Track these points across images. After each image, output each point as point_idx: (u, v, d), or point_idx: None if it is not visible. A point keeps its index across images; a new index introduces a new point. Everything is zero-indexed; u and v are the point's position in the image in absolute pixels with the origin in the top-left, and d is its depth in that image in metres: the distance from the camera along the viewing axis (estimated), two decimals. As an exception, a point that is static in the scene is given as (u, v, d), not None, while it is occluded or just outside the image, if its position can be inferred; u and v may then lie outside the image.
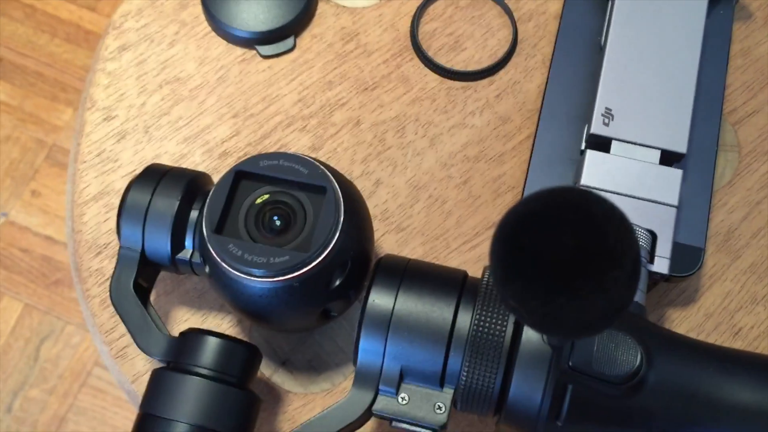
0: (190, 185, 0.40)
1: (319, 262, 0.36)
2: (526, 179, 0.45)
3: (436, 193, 0.47)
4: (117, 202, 0.46)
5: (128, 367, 0.44)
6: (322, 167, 0.38)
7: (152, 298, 0.44)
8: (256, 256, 0.36)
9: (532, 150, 0.46)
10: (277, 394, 0.43)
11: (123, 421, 1.18)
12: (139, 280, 0.40)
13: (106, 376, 1.21)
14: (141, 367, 0.44)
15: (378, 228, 0.46)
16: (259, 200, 0.38)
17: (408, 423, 0.36)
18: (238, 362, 0.38)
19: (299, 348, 0.44)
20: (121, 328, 0.44)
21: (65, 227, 0.47)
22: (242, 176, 0.38)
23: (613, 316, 0.24)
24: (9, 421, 1.20)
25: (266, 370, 0.44)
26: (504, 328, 0.35)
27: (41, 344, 1.25)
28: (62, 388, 1.22)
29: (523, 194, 0.45)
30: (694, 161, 0.45)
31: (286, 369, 0.44)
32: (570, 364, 0.34)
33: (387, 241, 0.46)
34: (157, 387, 0.37)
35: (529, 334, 0.35)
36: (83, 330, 1.24)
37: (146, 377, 0.42)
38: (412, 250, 0.46)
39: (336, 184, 0.37)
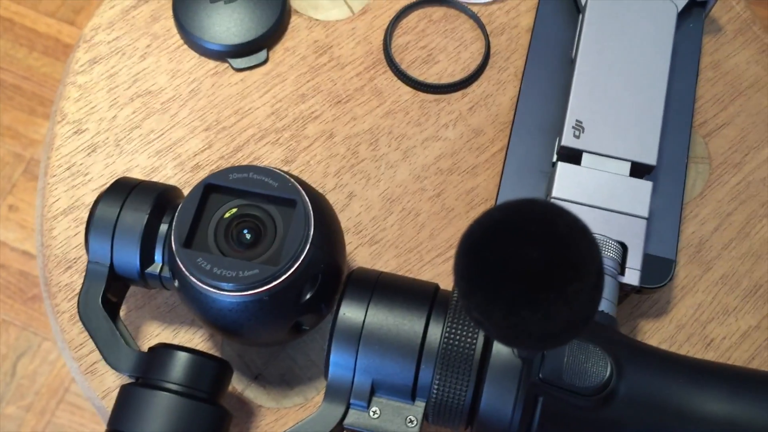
0: (160, 198, 0.40)
1: (289, 275, 0.36)
2: (498, 191, 0.45)
3: (409, 206, 0.47)
4: (86, 216, 0.46)
5: (98, 383, 0.43)
6: (292, 180, 0.38)
7: (123, 312, 0.43)
8: (225, 269, 0.36)
9: (505, 162, 0.46)
10: (249, 409, 0.43)
11: (101, 438, 1.16)
12: (108, 294, 0.39)
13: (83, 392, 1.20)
14: (111, 383, 0.43)
15: (351, 241, 0.46)
16: (228, 214, 0.37)
17: (380, 437, 0.36)
18: (208, 377, 0.38)
19: (272, 362, 0.44)
20: (91, 343, 0.44)
21: (35, 242, 0.47)
22: (212, 189, 0.38)
23: (578, 327, 0.24)
24: (-16, 438, 1.18)
25: (238, 384, 0.43)
26: (474, 341, 0.35)
27: (18, 360, 1.23)
28: (39, 404, 1.20)
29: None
30: (665, 173, 0.45)
31: (258, 383, 0.43)
32: (540, 376, 0.34)
33: (360, 254, 0.46)
34: (125, 403, 0.37)
35: (499, 347, 0.35)
36: (60, 346, 1.22)
37: (116, 393, 0.42)
38: (386, 263, 0.46)
39: (306, 197, 0.37)
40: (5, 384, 1.22)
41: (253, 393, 0.43)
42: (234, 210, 0.38)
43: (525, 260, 0.23)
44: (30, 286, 1.27)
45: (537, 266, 0.23)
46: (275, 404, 0.43)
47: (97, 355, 0.44)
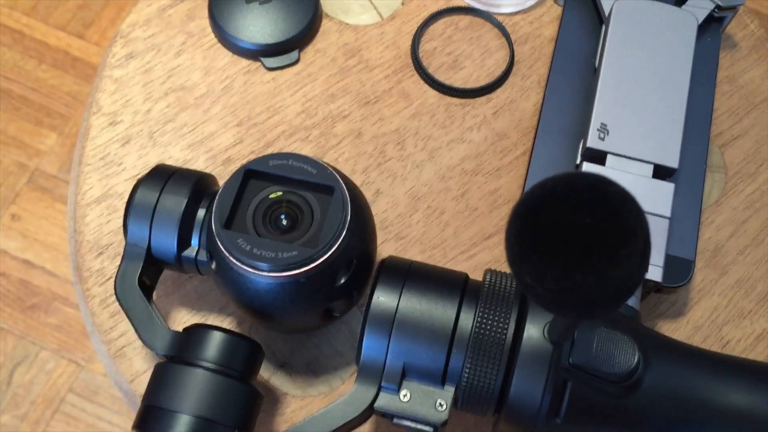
0: (198, 185, 0.41)
1: (326, 258, 0.37)
2: (523, 191, 0.47)
3: (434, 204, 0.49)
4: (120, 204, 0.47)
5: (126, 366, 0.44)
6: (330, 168, 0.39)
7: (153, 298, 0.44)
8: (265, 250, 0.37)
9: (529, 163, 0.47)
10: (275, 396, 0.43)
11: (95, 450, 1.15)
12: (143, 277, 0.40)
13: (79, 403, 1.19)
14: (139, 366, 0.44)
15: (378, 236, 0.47)
16: (272, 195, 0.38)
17: (409, 420, 0.37)
18: (242, 357, 0.38)
19: (298, 351, 0.44)
20: (120, 327, 0.44)
21: (67, 227, 0.47)
22: (251, 175, 0.39)
23: (626, 292, 0.25)
24: (-22, 447, 1.17)
25: (265, 372, 0.44)
26: (506, 328, 0.36)
27: (15, 369, 1.23)
28: (34, 414, 1.19)
29: (520, 205, 0.46)
30: (684, 179, 0.47)
31: (284, 371, 0.44)
32: (570, 361, 0.35)
33: (386, 249, 0.47)
34: (160, 379, 0.37)
35: (531, 332, 0.36)
36: (58, 356, 1.22)
37: (144, 377, 0.43)
38: (411, 258, 0.47)
39: (343, 185, 0.38)
40: (1, 393, 1.21)
41: (278, 380, 0.44)
42: (273, 195, 0.39)
43: (577, 226, 0.24)
44: (29, 295, 1.27)
45: (589, 232, 0.24)
46: (300, 392, 0.44)
47: (125, 339, 0.44)
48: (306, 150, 0.49)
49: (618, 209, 0.24)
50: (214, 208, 0.38)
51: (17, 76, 1.43)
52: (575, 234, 0.24)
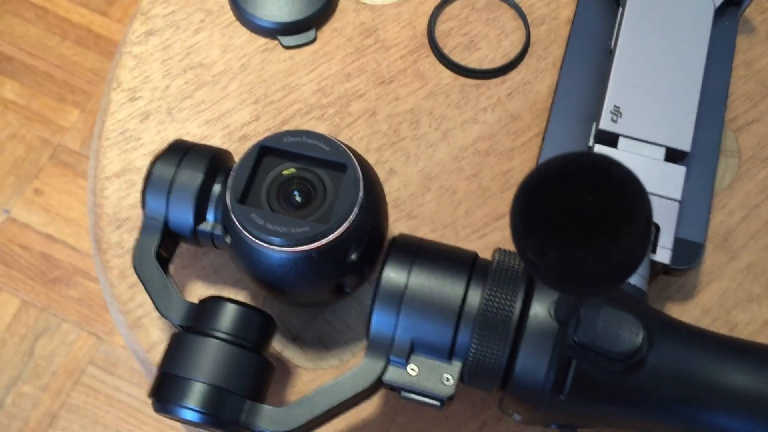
0: (214, 160, 0.41)
1: (338, 234, 0.38)
2: (535, 172, 0.47)
3: (447, 184, 0.49)
4: (138, 179, 0.48)
5: (143, 336, 0.45)
6: (343, 146, 0.40)
7: (170, 271, 0.45)
8: (278, 225, 0.38)
9: (542, 144, 0.48)
10: (286, 368, 0.45)
11: (115, 421, 1.18)
12: (161, 250, 0.41)
13: (99, 374, 1.22)
14: (156, 336, 0.45)
15: (390, 214, 0.48)
16: (285, 172, 0.39)
17: (417, 393, 0.38)
18: (255, 329, 0.39)
19: (310, 325, 0.45)
20: (138, 298, 0.45)
21: (87, 201, 0.49)
22: (266, 151, 0.40)
23: (627, 270, 0.26)
24: (1, 416, 1.20)
25: (277, 344, 0.45)
26: (513, 305, 0.37)
27: (36, 341, 1.25)
28: (55, 385, 1.22)
29: (531, 186, 0.47)
30: (697, 162, 0.47)
31: (296, 344, 0.45)
32: (575, 339, 0.36)
33: (398, 227, 0.48)
34: (176, 348, 0.39)
35: (537, 310, 0.37)
36: (79, 328, 1.24)
37: (161, 347, 0.44)
38: (422, 237, 0.48)
39: (356, 163, 0.39)
40: (23, 363, 1.24)
41: (291, 353, 0.45)
42: (286, 171, 0.40)
43: (580, 204, 0.25)
44: (51, 268, 1.29)
45: (592, 210, 0.25)
46: (311, 365, 0.45)
47: (143, 310, 0.45)
48: (321, 128, 0.50)
49: (620, 188, 0.25)
50: (229, 184, 0.39)
51: (41, 53, 1.45)
52: (577, 212, 0.25)
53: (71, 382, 1.22)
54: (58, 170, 1.37)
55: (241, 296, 0.46)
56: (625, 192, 0.25)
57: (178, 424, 1.14)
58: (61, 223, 1.32)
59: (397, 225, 0.48)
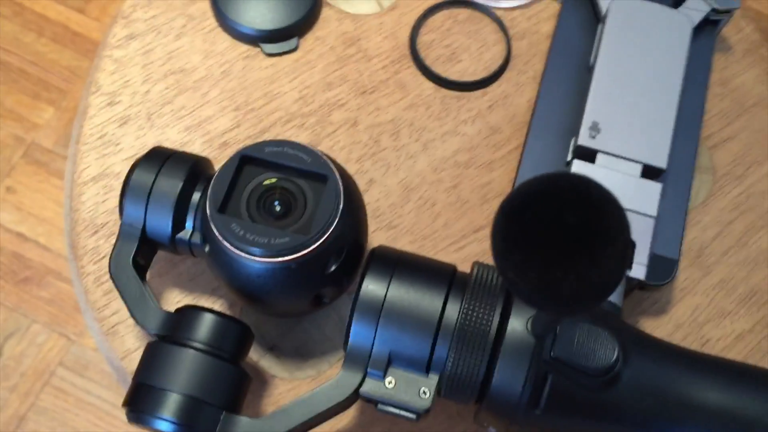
0: (194, 168, 0.41)
1: (318, 245, 0.38)
2: (514, 185, 0.47)
3: (426, 195, 0.49)
4: (116, 184, 0.47)
5: (118, 344, 0.44)
6: (324, 157, 0.40)
7: (147, 278, 0.45)
8: (258, 236, 0.37)
9: (521, 158, 0.48)
10: (263, 378, 0.44)
11: (85, 424, 1.16)
12: (138, 257, 0.41)
13: (69, 377, 1.20)
14: (130, 344, 0.44)
15: (369, 225, 0.48)
16: (266, 182, 0.39)
17: (393, 406, 0.38)
18: (232, 339, 0.39)
19: (287, 335, 0.45)
20: (113, 305, 0.45)
21: (63, 206, 0.48)
22: (247, 160, 0.40)
23: (606, 290, 0.26)
24: (-33, 417, 1.18)
25: (254, 354, 0.45)
26: (491, 319, 0.37)
27: (5, 342, 1.24)
28: (24, 386, 1.20)
29: (510, 200, 0.47)
30: (672, 179, 0.48)
31: (273, 354, 0.45)
32: (551, 354, 0.36)
33: (377, 238, 0.48)
34: (152, 358, 0.38)
35: (514, 325, 0.37)
36: (49, 329, 1.23)
37: (135, 354, 0.44)
38: (401, 248, 0.48)
39: (337, 174, 0.39)
40: (-9, 364, 1.22)
41: (267, 363, 0.45)
42: (267, 181, 0.39)
43: (561, 225, 0.25)
44: (22, 268, 1.27)
45: (572, 231, 0.25)
46: (288, 375, 0.45)
47: (118, 317, 0.45)
48: (302, 137, 0.50)
49: (600, 210, 0.25)
50: (209, 193, 0.39)
51: (16, 49, 1.43)
52: (558, 233, 0.25)
53: (40, 384, 1.20)
54: (31, 168, 1.35)
55: (218, 305, 0.46)
56: (604, 213, 0.25)
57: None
58: (33, 222, 1.31)
59: (376, 235, 0.48)
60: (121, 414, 1.13)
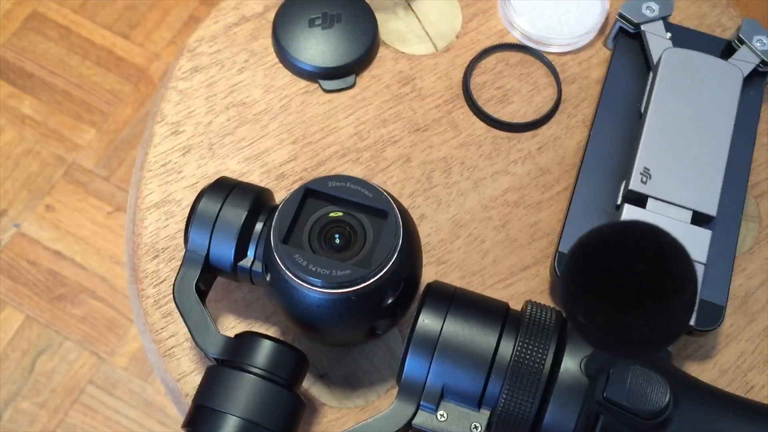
0: (257, 199, 0.43)
1: (377, 279, 0.39)
2: (563, 226, 0.48)
3: (475, 232, 0.50)
4: (177, 210, 0.49)
5: (174, 366, 0.46)
6: (385, 193, 0.41)
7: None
8: (320, 267, 0.39)
9: (571, 199, 0.49)
10: (313, 406, 0.45)
11: (111, 443, 1.18)
12: (199, 283, 0.42)
13: (98, 395, 1.22)
14: (186, 367, 0.46)
15: (420, 259, 0.49)
16: (332, 215, 0.41)
17: (444, 439, 0.39)
18: (289, 366, 0.40)
19: (337, 364, 0.46)
20: (171, 328, 0.46)
21: (125, 229, 0.50)
22: (310, 194, 0.41)
23: (673, 336, 0.27)
24: (-3, 430, 1.20)
25: (305, 381, 0.46)
26: (544, 358, 0.38)
27: (38, 357, 1.26)
28: (54, 402, 1.22)
29: (560, 240, 0.48)
30: (720, 227, 0.48)
31: (323, 382, 0.46)
32: (604, 395, 0.37)
33: (427, 272, 0.49)
34: (212, 381, 0.39)
35: (568, 365, 0.38)
36: (80, 347, 1.25)
37: (191, 377, 0.45)
38: (450, 283, 0.49)
39: (397, 210, 0.40)
40: (22, 379, 1.24)
41: (317, 391, 0.46)
42: (333, 214, 0.41)
43: (631, 271, 0.26)
44: (57, 285, 1.29)
45: (642, 278, 0.26)
46: (337, 403, 0.46)
47: (175, 340, 0.46)
48: (356, 171, 0.51)
49: (671, 259, 0.26)
50: (273, 223, 0.40)
51: (62, 71, 1.47)
52: (629, 279, 0.26)
53: (70, 401, 1.22)
54: (70, 188, 1.38)
55: (272, 331, 0.47)
56: (674, 262, 0.26)
57: (176, 450, 1.14)
58: (71, 241, 1.33)
59: (427, 270, 0.49)
60: (150, 434, 1.14)
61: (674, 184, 0.46)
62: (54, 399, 1.22)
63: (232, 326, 0.47)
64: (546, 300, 0.49)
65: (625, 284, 0.26)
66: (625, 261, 0.26)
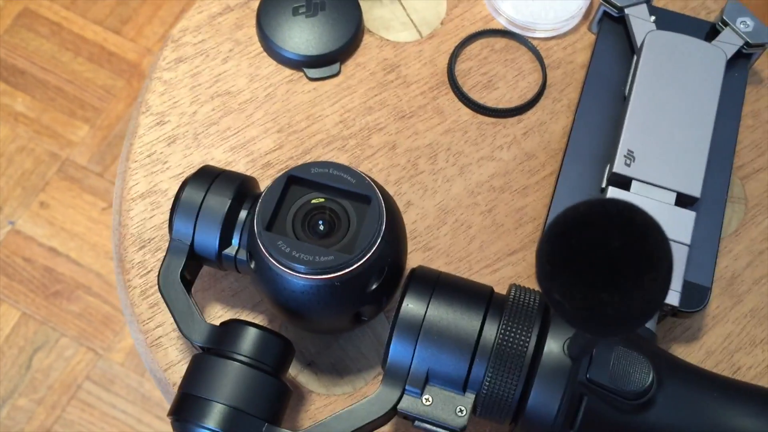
0: (241, 187, 0.43)
1: (360, 264, 0.39)
2: (549, 210, 0.49)
3: (462, 218, 0.50)
4: (163, 201, 0.49)
5: (161, 356, 0.46)
6: (368, 179, 0.41)
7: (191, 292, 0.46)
8: (303, 253, 0.39)
9: (557, 184, 0.49)
10: (300, 393, 0.45)
11: (109, 438, 1.18)
12: (185, 272, 0.42)
13: (96, 390, 1.22)
14: (173, 356, 0.46)
15: (406, 245, 0.49)
16: (314, 201, 0.41)
17: (429, 423, 0.39)
18: (275, 353, 0.41)
19: (324, 351, 0.46)
20: (158, 318, 0.47)
21: (112, 220, 0.50)
22: (294, 181, 0.41)
23: (648, 313, 0.27)
24: (-5, 428, 1.20)
25: (292, 369, 0.46)
26: (528, 340, 0.38)
27: (34, 354, 1.26)
28: (51, 399, 1.22)
29: (545, 225, 0.48)
30: (705, 208, 0.48)
31: (310, 370, 0.46)
32: (587, 376, 0.37)
33: (414, 259, 0.49)
34: (197, 369, 0.40)
35: (551, 347, 0.38)
36: (77, 343, 1.25)
37: (178, 366, 0.45)
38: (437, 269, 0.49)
39: (380, 195, 0.40)
40: (19, 376, 1.24)
41: (305, 378, 0.46)
42: (315, 200, 0.41)
43: (606, 249, 0.26)
44: (53, 282, 1.30)
45: (617, 255, 0.26)
46: (325, 391, 0.46)
47: (162, 330, 0.46)
48: (342, 159, 0.51)
49: (645, 236, 0.26)
50: (257, 211, 0.40)
51: (54, 68, 1.47)
52: (604, 256, 0.26)
53: (67, 397, 1.22)
54: (64, 184, 1.38)
55: (258, 320, 0.47)
56: (648, 239, 0.26)
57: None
58: (65, 237, 1.33)
59: (413, 256, 0.49)
60: (145, 429, 1.14)
61: (658, 166, 0.47)
62: (51, 395, 1.23)
63: (219, 315, 0.47)
64: (533, 284, 0.49)
65: (599, 262, 0.26)
66: (599, 238, 0.26)
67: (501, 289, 0.42)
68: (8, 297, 1.28)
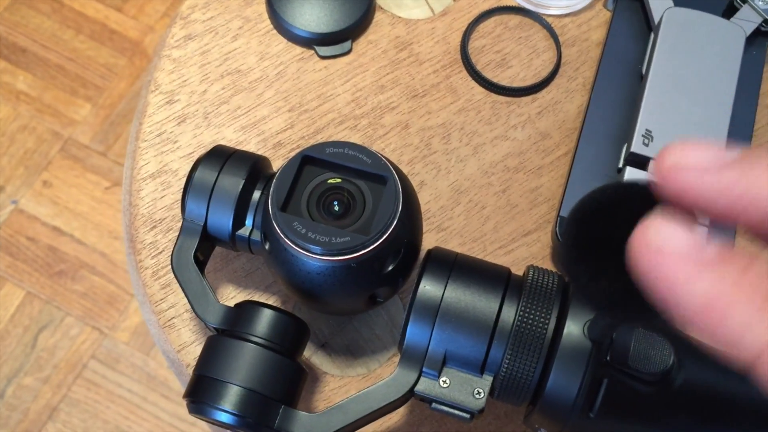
0: (254, 167, 0.42)
1: (377, 246, 0.39)
2: (564, 190, 0.48)
3: (476, 199, 0.50)
4: (173, 180, 0.48)
5: (174, 337, 0.45)
6: (384, 159, 0.40)
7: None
8: (319, 234, 0.38)
9: (572, 163, 0.48)
10: (314, 375, 0.45)
11: (115, 416, 1.18)
12: (198, 253, 0.42)
13: (101, 369, 1.22)
14: (186, 337, 0.45)
15: (420, 226, 0.49)
16: (330, 181, 0.40)
17: (447, 405, 0.38)
18: (290, 334, 0.40)
19: (338, 333, 0.46)
20: (170, 299, 0.46)
21: (122, 201, 0.49)
22: (308, 161, 0.41)
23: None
24: (1, 407, 1.20)
25: (306, 351, 0.46)
26: (547, 322, 0.38)
27: (39, 333, 1.26)
28: (57, 378, 1.22)
29: (561, 205, 0.48)
30: (722, 188, 0.48)
31: (324, 351, 0.46)
32: (607, 358, 0.37)
33: (428, 240, 0.49)
34: (212, 351, 0.39)
35: (571, 329, 0.37)
36: (82, 322, 1.25)
37: (191, 348, 0.45)
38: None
39: (396, 176, 0.40)
40: (25, 355, 1.24)
41: (319, 360, 0.46)
42: (331, 180, 0.40)
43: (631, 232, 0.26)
44: (57, 261, 1.29)
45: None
46: (339, 372, 0.45)
47: (175, 311, 0.46)
48: (354, 138, 0.51)
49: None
50: (271, 191, 0.40)
51: (55, 46, 1.45)
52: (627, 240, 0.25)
53: (72, 376, 1.22)
54: (67, 163, 1.37)
55: (272, 301, 0.47)
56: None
57: (177, 423, 1.15)
58: (69, 216, 1.33)
59: (427, 237, 0.49)
60: (151, 407, 1.15)
61: (676, 146, 0.46)
62: (57, 374, 1.23)
63: (231, 296, 0.47)
64: (547, 265, 0.48)
65: (625, 245, 0.25)
66: (625, 222, 0.26)
67: (516, 270, 0.42)
68: (12, 276, 1.28)
